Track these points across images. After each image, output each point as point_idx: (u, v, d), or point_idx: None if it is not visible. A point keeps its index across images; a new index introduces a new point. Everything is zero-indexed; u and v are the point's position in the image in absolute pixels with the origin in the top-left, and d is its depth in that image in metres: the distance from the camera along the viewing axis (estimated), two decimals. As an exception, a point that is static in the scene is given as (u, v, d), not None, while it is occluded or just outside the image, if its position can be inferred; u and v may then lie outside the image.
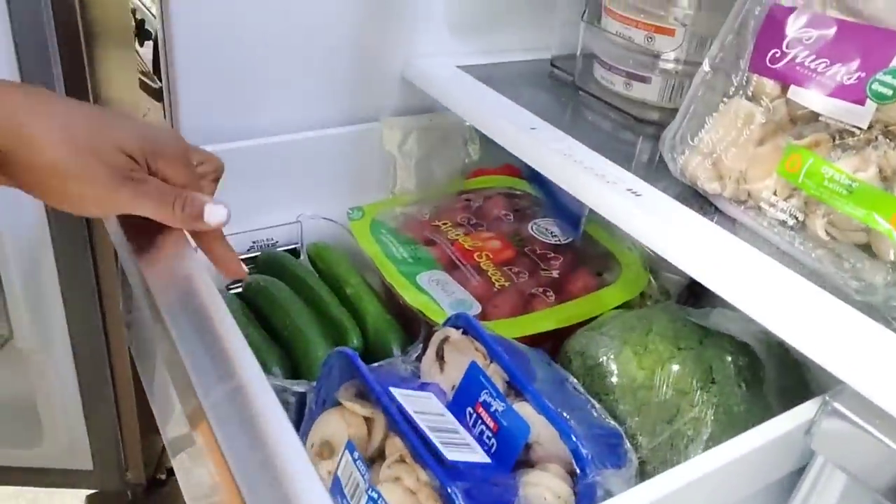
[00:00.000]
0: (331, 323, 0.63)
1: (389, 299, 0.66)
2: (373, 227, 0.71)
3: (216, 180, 0.53)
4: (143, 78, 0.80)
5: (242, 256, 0.74)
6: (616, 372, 0.56)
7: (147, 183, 0.45)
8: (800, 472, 0.47)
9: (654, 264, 0.73)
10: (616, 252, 0.72)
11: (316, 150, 0.76)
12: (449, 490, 0.41)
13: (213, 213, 0.48)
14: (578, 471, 0.44)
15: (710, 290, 0.75)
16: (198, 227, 0.48)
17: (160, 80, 0.71)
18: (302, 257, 0.75)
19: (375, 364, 0.56)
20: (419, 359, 0.57)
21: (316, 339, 0.60)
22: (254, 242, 0.74)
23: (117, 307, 0.83)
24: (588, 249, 0.73)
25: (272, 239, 0.75)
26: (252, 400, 0.38)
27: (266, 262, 0.73)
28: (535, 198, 0.81)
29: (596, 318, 0.64)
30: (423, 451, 0.44)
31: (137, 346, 0.69)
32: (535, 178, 0.82)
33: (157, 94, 0.72)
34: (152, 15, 0.75)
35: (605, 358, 0.57)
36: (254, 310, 0.67)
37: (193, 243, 0.51)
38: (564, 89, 0.79)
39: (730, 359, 0.57)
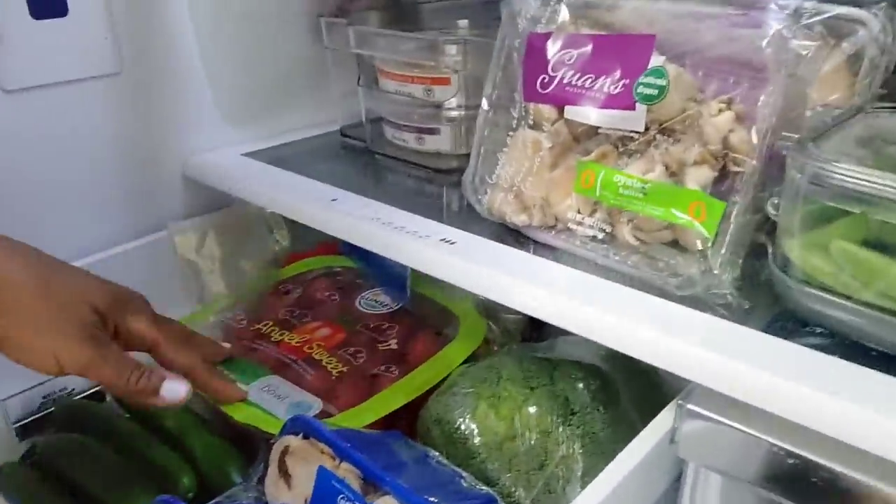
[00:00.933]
0: (153, 468, 0.54)
1: (223, 423, 0.58)
2: (184, 346, 0.63)
3: (211, 360, 0.55)
4: None
5: (33, 417, 0.63)
6: (476, 431, 0.52)
7: (109, 348, 0.46)
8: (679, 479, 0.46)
9: (490, 308, 0.71)
10: (450, 305, 0.70)
11: (103, 274, 0.67)
12: None
13: (170, 390, 0.47)
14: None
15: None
16: (150, 403, 0.47)
17: None
18: (108, 399, 0.65)
19: (213, 501, 0.48)
20: (262, 480, 0.50)
21: (135, 493, 0.51)
22: (45, 397, 0.63)
23: None
24: (422, 309, 0.70)
25: (66, 387, 0.64)
26: None
27: (65, 417, 0.62)
28: (358, 270, 0.77)
29: (446, 378, 0.60)
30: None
31: None
32: (353, 249, 0.78)
33: None
34: None
35: (462, 420, 0.53)
36: (58, 477, 0.56)
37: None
38: (360, 156, 0.77)
39: (581, 385, 0.55)
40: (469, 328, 0.66)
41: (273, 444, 0.49)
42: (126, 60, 0.66)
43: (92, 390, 0.66)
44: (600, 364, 0.59)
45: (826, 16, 0.44)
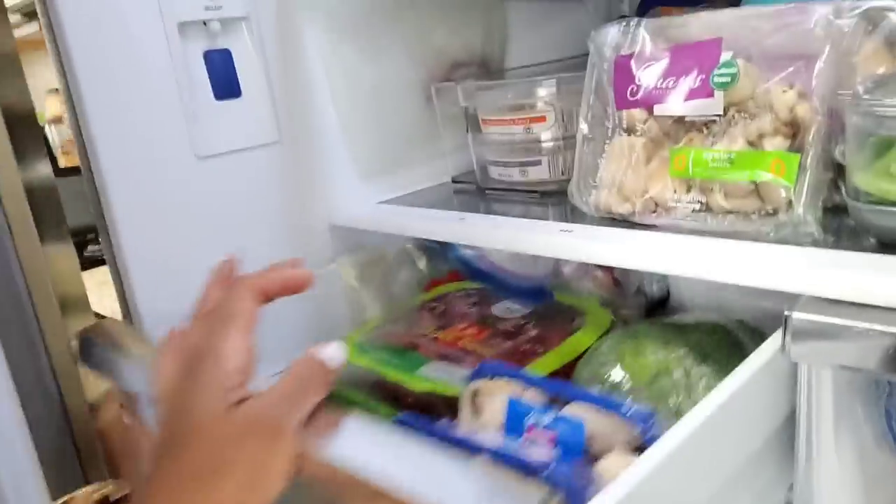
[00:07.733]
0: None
1: (398, 402, 0.70)
2: (359, 348, 0.76)
3: None
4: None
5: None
6: (627, 377, 0.63)
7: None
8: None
9: (610, 303, 0.82)
10: (575, 303, 0.81)
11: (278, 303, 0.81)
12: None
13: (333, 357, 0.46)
14: (641, 428, 0.48)
15: (660, 308, 0.85)
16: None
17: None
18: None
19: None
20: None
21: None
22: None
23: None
24: (551, 309, 0.81)
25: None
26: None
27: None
28: (486, 289, 0.89)
29: (583, 355, 0.71)
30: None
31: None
32: (478, 274, 0.91)
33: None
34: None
35: (612, 371, 0.64)
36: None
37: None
38: (472, 195, 0.90)
39: (710, 336, 0.65)
40: (597, 317, 0.77)
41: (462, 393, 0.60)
42: (284, 131, 0.83)
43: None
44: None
45: (862, 8, 0.56)
